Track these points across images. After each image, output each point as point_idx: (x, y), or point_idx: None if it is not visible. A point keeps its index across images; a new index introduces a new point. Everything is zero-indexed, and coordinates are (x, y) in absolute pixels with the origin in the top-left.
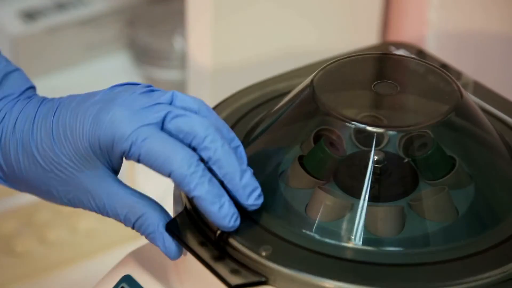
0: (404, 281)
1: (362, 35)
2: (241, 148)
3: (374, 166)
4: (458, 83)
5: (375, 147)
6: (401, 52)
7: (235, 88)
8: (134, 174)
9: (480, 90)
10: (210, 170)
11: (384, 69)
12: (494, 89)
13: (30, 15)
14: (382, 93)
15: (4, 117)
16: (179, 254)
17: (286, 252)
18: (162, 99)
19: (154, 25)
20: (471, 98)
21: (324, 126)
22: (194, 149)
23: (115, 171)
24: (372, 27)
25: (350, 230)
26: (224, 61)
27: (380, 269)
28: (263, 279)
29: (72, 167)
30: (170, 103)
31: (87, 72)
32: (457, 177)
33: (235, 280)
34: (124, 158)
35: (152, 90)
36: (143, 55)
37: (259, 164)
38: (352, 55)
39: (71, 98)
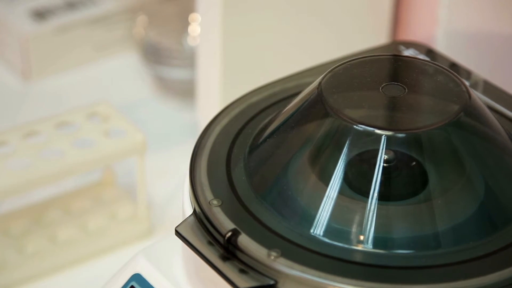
0: (414, 284)
1: (371, 35)
2: None
3: (384, 166)
4: (467, 84)
5: (384, 148)
6: (410, 51)
7: (245, 88)
8: (143, 174)
9: (490, 89)
10: None
11: (393, 71)
12: (504, 88)
13: (40, 14)
14: (391, 94)
15: None
16: None
17: (295, 254)
18: None
19: (164, 24)
20: (480, 98)
21: (333, 128)
22: None
23: None
24: (381, 26)
25: (360, 231)
26: (234, 60)
27: (390, 272)
28: (272, 282)
29: None
30: None
31: (97, 71)
32: (467, 177)
33: (243, 283)
34: None
35: None
36: (152, 54)
37: (268, 166)
38: (360, 56)
39: None
